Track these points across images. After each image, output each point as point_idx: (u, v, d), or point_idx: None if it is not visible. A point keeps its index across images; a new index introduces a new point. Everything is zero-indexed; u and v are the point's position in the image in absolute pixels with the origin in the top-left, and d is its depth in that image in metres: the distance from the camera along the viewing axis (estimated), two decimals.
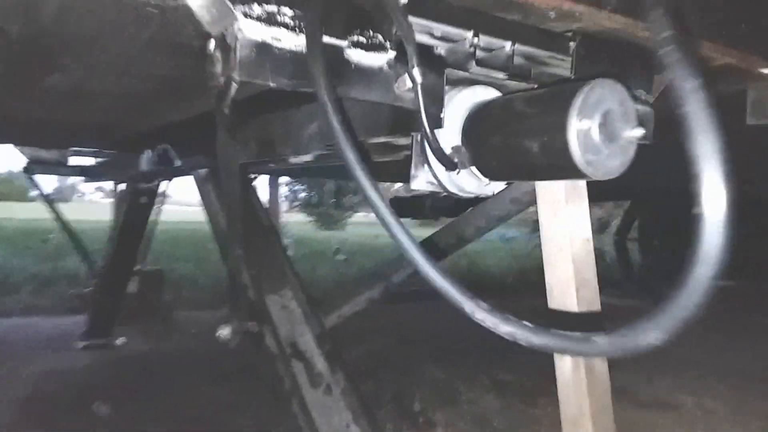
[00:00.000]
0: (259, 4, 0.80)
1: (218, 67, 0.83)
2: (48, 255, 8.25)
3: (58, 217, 4.60)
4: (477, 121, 0.99)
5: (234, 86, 0.81)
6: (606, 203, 12.90)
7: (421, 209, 6.04)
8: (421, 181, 1.07)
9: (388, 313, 5.11)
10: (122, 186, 3.80)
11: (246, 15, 0.79)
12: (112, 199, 4.66)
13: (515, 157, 0.91)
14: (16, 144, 3.85)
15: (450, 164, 1.00)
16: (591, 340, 0.58)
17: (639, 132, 0.85)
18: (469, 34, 1.01)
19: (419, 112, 0.92)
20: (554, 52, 1.13)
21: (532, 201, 2.23)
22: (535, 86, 1.09)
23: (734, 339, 4.50)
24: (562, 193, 1.27)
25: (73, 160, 4.16)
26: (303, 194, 24.42)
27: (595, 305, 1.28)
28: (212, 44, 0.85)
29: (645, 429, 2.64)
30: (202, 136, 2.29)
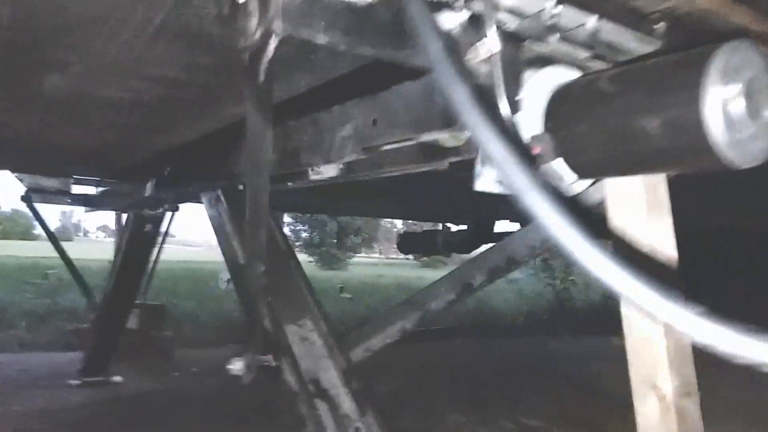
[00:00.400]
0: None
1: (253, 20, 0.66)
2: (47, 291, 8.08)
3: (58, 248, 4.41)
4: (566, 103, 0.80)
5: (273, 41, 0.63)
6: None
7: (432, 245, 5.82)
8: (488, 181, 0.88)
9: (399, 354, 4.86)
10: (125, 216, 3.62)
11: None
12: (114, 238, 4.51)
13: (623, 143, 0.72)
14: (13, 170, 3.69)
15: (530, 157, 0.81)
16: None
17: None
18: (550, 2, 0.84)
19: (497, 88, 0.75)
20: (642, 32, 0.95)
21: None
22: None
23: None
24: (640, 202, 1.08)
25: (75, 189, 4.00)
26: (305, 234, 24.28)
27: (684, 337, 1.08)
28: None
29: None
30: (211, 157, 2.13)
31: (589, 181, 0.88)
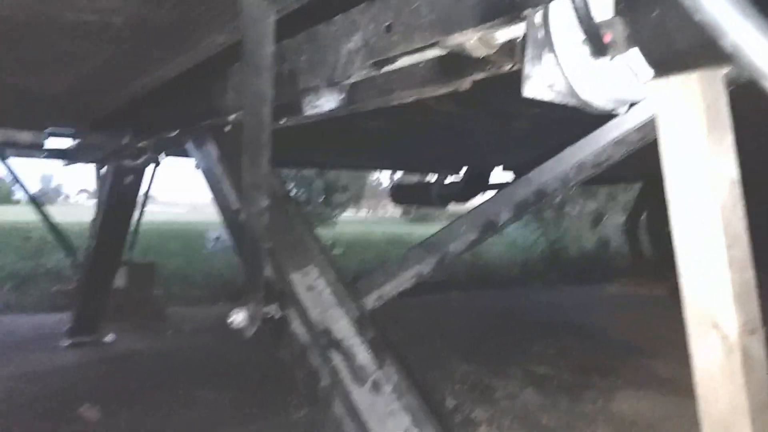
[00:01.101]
0: None
1: None
2: (30, 252, 7.91)
3: (38, 208, 4.22)
4: None
5: None
6: (599, 195, 12.59)
7: (426, 195, 5.67)
8: (539, 84, 0.73)
9: (395, 307, 4.78)
10: (104, 169, 3.41)
11: None
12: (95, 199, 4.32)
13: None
14: None
15: (599, 46, 0.66)
16: None
17: None
18: None
19: None
20: None
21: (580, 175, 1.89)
22: None
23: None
24: (700, 120, 0.93)
25: (50, 143, 3.78)
26: (291, 192, 24.06)
27: (747, 270, 0.95)
28: None
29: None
30: (193, 97, 1.93)
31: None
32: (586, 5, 0.63)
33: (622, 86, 0.71)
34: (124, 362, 3.27)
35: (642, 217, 7.33)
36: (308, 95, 1.31)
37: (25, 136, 3.68)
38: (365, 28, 1.04)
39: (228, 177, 1.71)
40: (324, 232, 16.05)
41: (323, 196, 23.80)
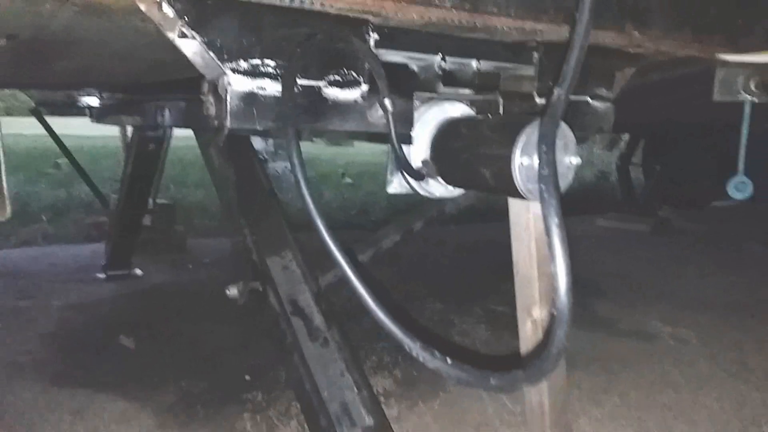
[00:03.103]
0: (245, 59, 0.92)
1: (212, 111, 0.96)
2: (61, 181, 8.50)
3: (65, 151, 4.76)
4: (442, 140, 1.12)
5: (226, 130, 0.94)
6: None
7: None
8: (396, 186, 1.22)
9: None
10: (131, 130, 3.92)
11: (234, 71, 0.91)
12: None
13: (473, 176, 1.05)
14: (21, 89, 3.94)
15: (418, 176, 1.14)
16: (487, 378, 0.76)
17: (576, 161, 0.99)
18: (437, 57, 1.12)
19: (390, 135, 1.06)
20: (520, 63, 1.23)
21: None
22: (499, 99, 1.21)
23: (727, 269, 4.69)
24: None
25: (81, 102, 4.25)
26: None
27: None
28: (206, 87, 0.98)
29: (616, 357, 2.89)
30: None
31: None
32: (405, 158, 1.10)
33: (441, 191, 1.19)
34: (152, 295, 3.91)
35: (635, 154, 7.67)
36: None
37: (58, 96, 4.16)
38: None
39: (229, 172, 2.20)
40: (341, 152, 16.50)
41: None
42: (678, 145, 6.97)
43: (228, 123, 0.92)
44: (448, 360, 0.74)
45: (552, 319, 0.73)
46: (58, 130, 4.96)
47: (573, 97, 1.30)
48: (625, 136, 9.23)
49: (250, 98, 0.93)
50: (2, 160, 0.76)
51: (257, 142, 10.55)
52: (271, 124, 0.96)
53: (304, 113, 0.98)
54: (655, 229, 6.53)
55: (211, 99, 0.96)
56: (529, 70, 1.24)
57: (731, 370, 2.78)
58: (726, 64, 1.57)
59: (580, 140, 1.48)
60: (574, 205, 8.40)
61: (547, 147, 0.77)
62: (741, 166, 1.66)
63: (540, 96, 1.25)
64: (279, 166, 10.13)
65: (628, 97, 1.47)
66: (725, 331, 3.28)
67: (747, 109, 1.60)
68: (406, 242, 3.16)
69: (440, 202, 2.25)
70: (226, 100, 0.91)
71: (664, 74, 1.66)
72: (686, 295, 3.97)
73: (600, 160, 12.74)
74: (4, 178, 0.76)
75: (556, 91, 0.79)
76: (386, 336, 0.83)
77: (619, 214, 7.32)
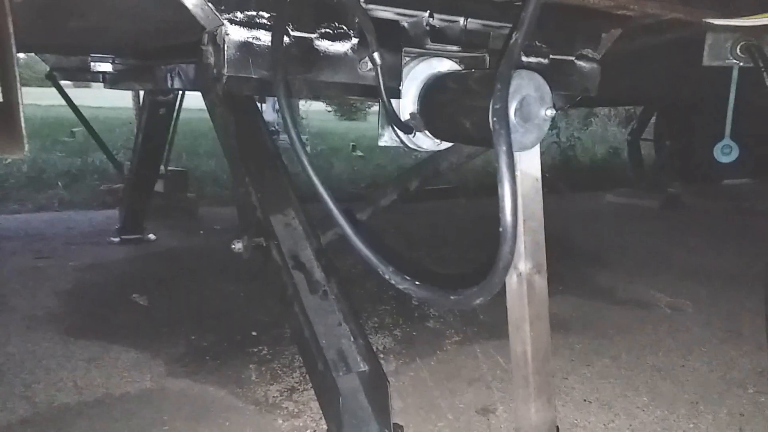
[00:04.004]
0: (242, 11, 0.99)
1: (211, 60, 1.03)
2: (76, 149, 8.65)
3: (82, 119, 4.87)
4: (429, 93, 1.18)
5: (225, 78, 1.02)
6: None
7: None
8: (387, 139, 1.29)
9: (404, 214, 5.43)
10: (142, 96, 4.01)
11: (231, 21, 0.98)
12: None
13: (456, 128, 1.12)
14: (37, 53, 4.03)
15: (406, 129, 1.21)
16: (448, 296, 0.84)
17: (551, 112, 1.05)
18: (425, 14, 1.18)
19: (379, 88, 1.12)
20: (506, 21, 1.28)
21: None
22: (486, 57, 1.27)
23: (731, 243, 4.72)
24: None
25: (95, 67, 4.33)
26: None
27: (539, 233, 1.53)
28: (206, 38, 1.05)
29: (612, 323, 2.97)
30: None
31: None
32: (394, 112, 1.16)
33: (429, 144, 1.26)
34: (164, 258, 4.03)
35: (645, 130, 7.64)
36: None
37: (72, 61, 4.25)
38: None
39: (235, 131, 2.28)
40: (353, 127, 16.51)
41: None
42: (689, 121, 6.93)
43: (225, 70, 1.00)
44: (416, 282, 0.82)
45: (499, 237, 0.81)
46: (74, 101, 5.06)
47: (559, 57, 1.35)
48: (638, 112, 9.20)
49: (246, 48, 1.00)
50: (20, 97, 0.83)
51: (268, 114, 10.67)
52: (266, 73, 1.03)
53: (296, 63, 1.05)
54: (664, 205, 6.54)
55: (210, 49, 1.03)
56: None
57: (724, 337, 2.85)
58: (714, 28, 1.61)
59: (568, 100, 1.54)
60: (585, 181, 8.46)
61: (501, 85, 0.83)
62: (728, 130, 1.71)
63: (527, 55, 1.31)
64: None
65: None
66: (722, 301, 3.34)
67: (735, 74, 1.64)
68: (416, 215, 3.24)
69: (435, 161, 2.31)
70: (223, 49, 0.99)
71: (653, 38, 1.70)
72: (687, 267, 4.02)
73: (614, 137, 12.70)
74: (22, 116, 0.83)
75: (514, 35, 0.85)
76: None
77: (628, 189, 7.34)
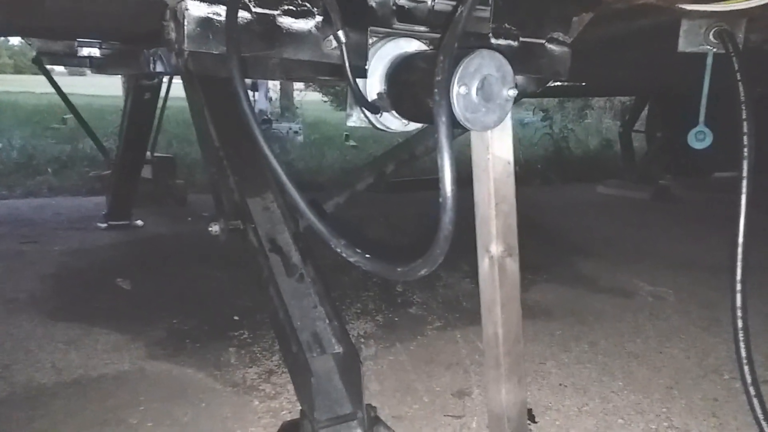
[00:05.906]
0: None
1: (173, 36, 1.03)
2: (67, 136, 8.62)
3: (70, 106, 4.85)
4: (395, 73, 1.19)
5: (186, 54, 1.01)
6: None
7: None
8: (355, 119, 1.29)
9: (392, 204, 5.44)
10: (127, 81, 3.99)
11: None
12: None
13: (420, 107, 1.12)
14: (23, 36, 4.00)
15: (374, 109, 1.21)
16: (395, 269, 0.85)
17: (513, 92, 1.05)
18: None
19: (344, 67, 1.12)
20: (476, 4, 1.28)
21: None
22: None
23: (717, 234, 4.74)
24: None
25: (81, 52, 4.30)
26: None
27: (511, 216, 1.54)
28: (168, 14, 1.05)
29: (593, 311, 2.99)
30: None
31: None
32: (359, 91, 1.17)
33: (396, 125, 1.26)
34: (150, 243, 4.03)
35: (637, 122, 7.65)
36: None
37: (58, 46, 4.22)
38: None
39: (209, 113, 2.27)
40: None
41: None
42: (681, 113, 6.94)
43: (186, 46, 1.00)
44: (366, 255, 0.83)
45: (439, 208, 0.81)
46: (66, 90, 5.03)
47: (529, 40, 1.35)
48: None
49: (206, 23, 1.00)
50: None
51: (261, 103, 10.61)
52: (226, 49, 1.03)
53: (258, 40, 1.05)
54: (654, 197, 6.56)
55: (171, 24, 1.03)
56: (485, 12, 1.30)
57: (703, 324, 2.87)
58: (689, 14, 1.61)
59: (539, 83, 1.54)
60: (577, 173, 8.48)
61: (444, 56, 0.84)
62: (702, 116, 1.71)
63: (496, 37, 1.31)
64: (283, 127, 10.26)
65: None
66: (703, 289, 3.36)
67: (709, 60, 1.64)
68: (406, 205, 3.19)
69: (410, 145, 2.32)
70: (183, 24, 0.99)
71: (628, 24, 1.70)
72: (671, 257, 4.04)
73: (608, 129, 12.71)
74: None
75: (460, 8, 0.85)
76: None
77: (619, 181, 7.35)
